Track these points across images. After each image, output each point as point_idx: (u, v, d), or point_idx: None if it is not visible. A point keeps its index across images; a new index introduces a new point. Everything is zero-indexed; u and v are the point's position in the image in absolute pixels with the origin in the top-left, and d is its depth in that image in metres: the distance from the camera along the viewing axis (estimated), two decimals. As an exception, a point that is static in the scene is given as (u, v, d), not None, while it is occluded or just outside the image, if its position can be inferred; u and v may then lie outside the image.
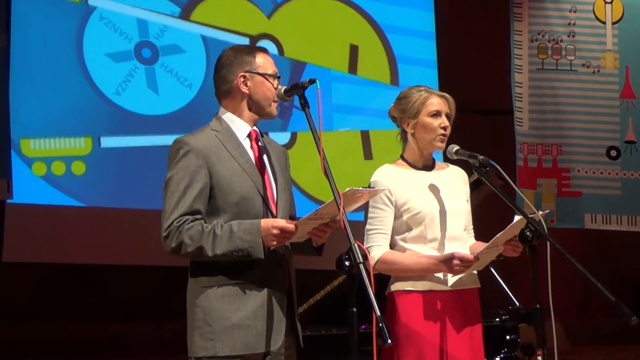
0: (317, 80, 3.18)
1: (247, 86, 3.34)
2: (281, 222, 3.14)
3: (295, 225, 3.11)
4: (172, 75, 6.34)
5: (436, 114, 3.64)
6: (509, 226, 3.51)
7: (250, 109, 3.36)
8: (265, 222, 3.14)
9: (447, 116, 3.67)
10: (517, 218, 3.52)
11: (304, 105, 3.20)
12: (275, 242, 3.13)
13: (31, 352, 5.81)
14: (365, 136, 6.92)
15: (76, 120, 6.03)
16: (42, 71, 5.97)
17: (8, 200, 5.67)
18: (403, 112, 3.67)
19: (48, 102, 5.95)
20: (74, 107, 6.02)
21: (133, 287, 6.19)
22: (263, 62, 3.36)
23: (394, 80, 7.13)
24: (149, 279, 6.19)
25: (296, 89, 3.25)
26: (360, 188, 3.15)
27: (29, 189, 5.81)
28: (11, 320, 5.79)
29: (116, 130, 6.14)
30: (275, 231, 3.11)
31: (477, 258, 3.50)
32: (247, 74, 3.34)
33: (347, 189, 3.06)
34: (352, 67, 7.01)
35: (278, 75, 3.38)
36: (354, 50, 7.02)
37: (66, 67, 6.05)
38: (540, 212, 3.61)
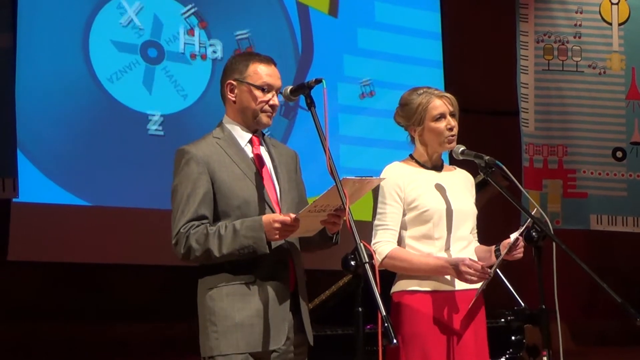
0: (323, 80, 3.20)
1: (233, 94, 3.38)
2: (280, 216, 3.18)
3: (295, 218, 3.14)
4: (171, 81, 6.30)
5: (440, 117, 3.64)
6: (507, 248, 3.51)
7: (240, 117, 3.39)
8: (267, 217, 3.19)
9: (452, 114, 3.67)
10: (513, 237, 3.51)
11: (310, 104, 3.22)
12: (277, 236, 3.17)
13: (36, 352, 5.81)
14: None
15: (74, 111, 5.98)
16: (47, 54, 5.90)
17: (14, 199, 5.67)
18: (408, 120, 3.68)
19: (51, 91, 5.90)
20: (70, 88, 5.94)
21: (139, 287, 6.19)
22: (255, 72, 3.35)
23: (333, 10, 6.91)
24: (155, 278, 6.19)
25: (302, 89, 3.27)
26: (354, 177, 3.15)
27: (34, 187, 5.81)
28: (16, 319, 5.79)
29: (104, 122, 6.05)
30: (276, 225, 3.15)
31: (487, 271, 3.48)
32: (234, 82, 3.37)
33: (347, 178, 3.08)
34: None
35: (269, 88, 3.34)
36: None
37: (69, 45, 5.99)
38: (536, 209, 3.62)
